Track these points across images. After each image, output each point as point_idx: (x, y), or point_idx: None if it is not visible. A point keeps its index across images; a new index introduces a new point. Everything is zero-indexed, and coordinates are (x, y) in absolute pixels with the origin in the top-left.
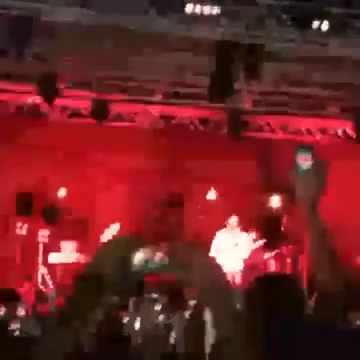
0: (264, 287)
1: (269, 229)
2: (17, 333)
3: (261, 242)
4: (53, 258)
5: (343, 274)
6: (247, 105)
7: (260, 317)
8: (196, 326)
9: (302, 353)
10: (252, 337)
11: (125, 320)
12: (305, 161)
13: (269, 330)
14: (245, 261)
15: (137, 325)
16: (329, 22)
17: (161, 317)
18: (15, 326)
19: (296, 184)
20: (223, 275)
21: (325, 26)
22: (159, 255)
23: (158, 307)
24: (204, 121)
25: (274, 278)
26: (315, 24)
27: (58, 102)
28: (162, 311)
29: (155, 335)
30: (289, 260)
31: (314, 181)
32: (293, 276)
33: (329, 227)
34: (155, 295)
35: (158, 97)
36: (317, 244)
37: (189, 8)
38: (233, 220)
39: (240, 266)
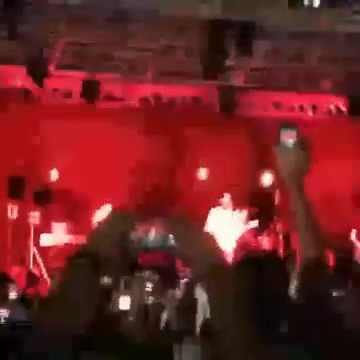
0: (246, 268)
1: (261, 206)
2: (2, 321)
3: (255, 222)
4: (44, 240)
5: (327, 252)
6: (239, 82)
7: (245, 297)
8: (188, 304)
9: (289, 331)
10: (241, 314)
11: (116, 299)
12: (289, 138)
13: (255, 310)
14: (237, 240)
15: (128, 304)
16: None
17: (152, 296)
18: (3, 312)
19: (280, 161)
20: (218, 249)
21: (316, 2)
22: (153, 231)
23: (149, 285)
24: (196, 99)
25: (255, 258)
26: (306, 1)
27: (47, 84)
28: (153, 290)
29: (146, 314)
30: (281, 237)
31: (298, 158)
32: (275, 255)
33: (316, 205)
34: (147, 273)
35: (149, 76)
36: (301, 222)
37: None
38: (226, 198)
39: (233, 245)
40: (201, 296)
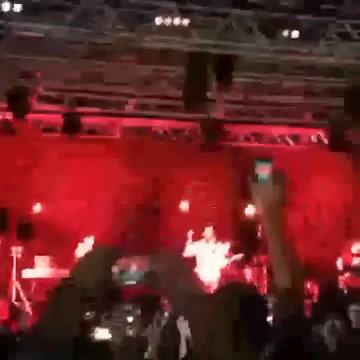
0: (223, 296)
1: (245, 238)
2: None
3: (239, 255)
4: (27, 273)
5: (304, 283)
6: (221, 114)
7: (226, 328)
8: (170, 337)
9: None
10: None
11: (97, 333)
12: (264, 172)
13: (237, 341)
14: (221, 271)
15: (107, 336)
16: (298, 30)
17: (133, 330)
18: None
19: (255, 195)
20: (200, 282)
21: (295, 34)
22: (134, 267)
23: (131, 319)
24: (178, 131)
25: (232, 288)
26: (285, 33)
27: (30, 117)
28: (135, 323)
29: (128, 348)
30: (265, 270)
31: (274, 192)
32: (252, 286)
33: (301, 234)
34: (129, 307)
35: (130, 109)
36: (276, 254)
37: (158, 20)
38: (208, 232)
39: (217, 276)
40: (183, 329)
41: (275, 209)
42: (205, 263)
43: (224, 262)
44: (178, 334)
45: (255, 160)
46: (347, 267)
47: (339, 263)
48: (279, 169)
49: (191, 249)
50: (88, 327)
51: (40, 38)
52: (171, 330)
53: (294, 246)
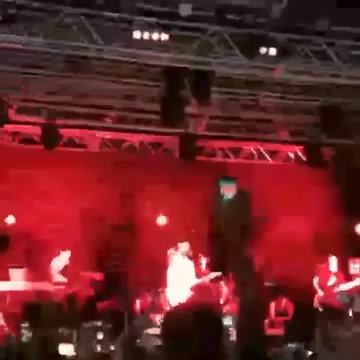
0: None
1: (221, 254)
2: None
3: (218, 274)
4: (1, 286)
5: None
6: (200, 129)
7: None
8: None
9: None
10: None
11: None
12: (228, 191)
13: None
14: (193, 288)
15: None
16: (275, 47)
17: (100, 346)
18: None
19: (219, 213)
20: None
21: (273, 51)
22: None
23: (100, 336)
24: (156, 145)
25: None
26: (263, 50)
27: (7, 128)
28: (103, 340)
29: None
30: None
31: (238, 210)
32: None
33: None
34: (99, 323)
35: (108, 122)
36: (240, 274)
37: (137, 34)
38: (184, 247)
39: (186, 295)
40: (149, 343)
41: (239, 229)
42: (180, 278)
43: (196, 281)
44: (143, 349)
45: (219, 179)
46: (323, 286)
47: (315, 282)
48: (243, 189)
49: (175, 262)
50: (52, 343)
51: (18, 49)
52: (132, 348)
53: (255, 265)
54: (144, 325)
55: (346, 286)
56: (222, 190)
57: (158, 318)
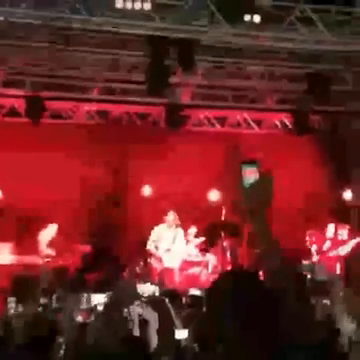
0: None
1: (209, 222)
2: None
3: (202, 239)
4: None
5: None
6: (185, 99)
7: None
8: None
9: None
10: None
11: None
12: (251, 175)
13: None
14: (183, 257)
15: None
16: (260, 15)
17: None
18: None
19: (243, 196)
20: None
21: (257, 19)
22: None
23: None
24: (142, 116)
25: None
26: (247, 17)
27: None
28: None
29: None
30: (229, 254)
31: (260, 193)
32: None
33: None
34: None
35: (94, 93)
36: (266, 253)
37: (119, 4)
38: (171, 217)
39: (178, 262)
40: (153, 322)
41: (264, 211)
42: (167, 248)
43: (186, 248)
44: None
45: (241, 163)
46: (319, 251)
47: (313, 249)
48: (265, 171)
49: (156, 232)
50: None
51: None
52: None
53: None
54: (129, 291)
55: (344, 250)
56: (244, 174)
57: (145, 287)
